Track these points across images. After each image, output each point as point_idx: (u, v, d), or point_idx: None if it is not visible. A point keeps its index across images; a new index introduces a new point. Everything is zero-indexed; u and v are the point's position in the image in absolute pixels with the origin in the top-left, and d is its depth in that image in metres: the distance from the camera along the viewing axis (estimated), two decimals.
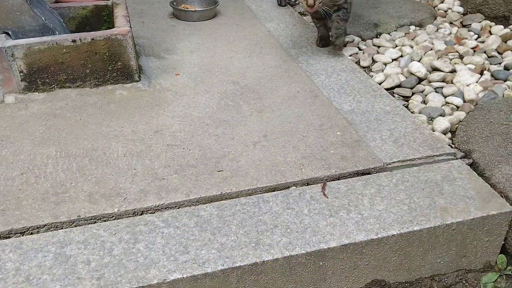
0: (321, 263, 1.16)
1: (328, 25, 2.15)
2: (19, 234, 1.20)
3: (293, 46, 2.23)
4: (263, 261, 1.11)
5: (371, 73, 2.06)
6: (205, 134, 1.57)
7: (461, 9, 2.59)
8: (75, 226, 1.23)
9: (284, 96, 1.79)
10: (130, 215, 1.26)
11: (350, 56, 2.20)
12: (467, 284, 1.29)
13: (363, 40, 2.37)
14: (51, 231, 1.21)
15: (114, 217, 1.25)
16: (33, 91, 1.76)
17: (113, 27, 1.97)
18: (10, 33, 1.76)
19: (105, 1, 2.09)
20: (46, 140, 1.53)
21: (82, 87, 1.80)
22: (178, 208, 1.28)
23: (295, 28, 2.47)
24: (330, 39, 2.16)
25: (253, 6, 2.80)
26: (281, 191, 1.32)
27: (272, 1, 2.90)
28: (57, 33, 1.81)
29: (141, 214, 1.26)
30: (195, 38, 2.33)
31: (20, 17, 1.74)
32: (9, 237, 1.19)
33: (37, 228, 1.21)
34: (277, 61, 2.08)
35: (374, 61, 2.16)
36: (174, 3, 2.62)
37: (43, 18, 1.77)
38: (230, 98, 1.79)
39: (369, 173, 1.38)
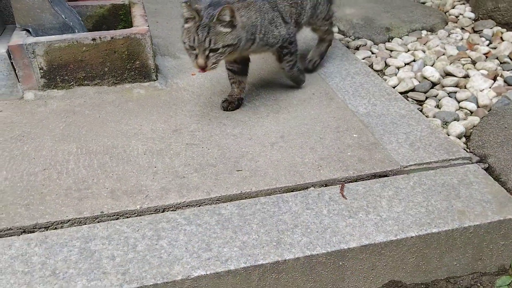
0: (340, 263, 1.18)
1: (242, 83, 1.75)
2: (43, 229, 1.22)
3: (306, 49, 2.25)
4: (285, 260, 1.13)
5: (385, 77, 2.08)
6: (223, 134, 1.59)
7: (472, 15, 2.61)
8: (98, 222, 1.25)
9: (299, 97, 1.81)
10: (152, 212, 1.28)
11: (363, 59, 2.23)
12: (481, 286, 1.31)
13: (375, 43, 2.39)
14: (75, 226, 1.23)
15: (137, 214, 1.27)
16: (52, 88, 1.78)
17: (129, 26, 1.99)
18: (30, 30, 1.78)
19: (122, 0, 2.11)
20: (67, 137, 1.55)
21: (100, 85, 1.82)
22: (199, 206, 1.30)
23: (308, 30, 2.48)
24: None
25: None
26: (300, 191, 1.34)
27: None
28: (76, 31, 1.83)
29: (162, 212, 1.28)
30: None
31: (41, 15, 1.76)
32: (33, 231, 1.21)
33: (61, 223, 1.23)
34: None
35: (387, 65, 2.18)
36: (187, 3, 2.63)
37: (63, 16, 1.80)
38: (247, 98, 1.81)
39: (386, 176, 1.40)
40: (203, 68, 1.48)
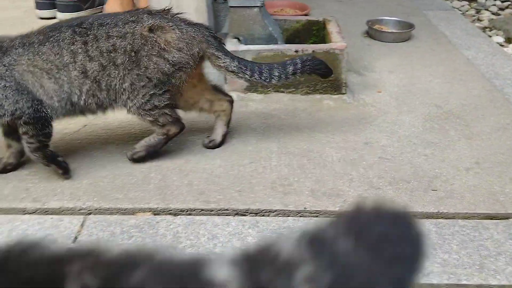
0: None
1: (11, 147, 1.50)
2: (253, 214, 1.37)
3: (496, 77, 2.18)
4: (489, 285, 1.12)
5: None
6: (414, 152, 1.61)
7: None
8: (301, 216, 1.36)
9: (492, 126, 1.76)
10: None
11: None
12: None
13: None
14: (280, 216, 1.36)
15: (335, 215, 1.36)
16: (253, 92, 1.97)
17: (320, 41, 2.14)
18: (241, 39, 2.01)
19: (317, 17, 2.26)
20: (267, 137, 1.71)
21: (294, 93, 1.97)
22: None
23: (495, 58, 2.39)
24: None
25: (447, 32, 2.77)
26: (501, 220, 1.31)
27: (467, 28, 2.84)
28: (279, 42, 2.01)
29: None
30: (391, 59, 2.39)
31: (253, 26, 1.98)
32: (245, 215, 1.37)
33: (269, 212, 1.37)
34: (480, 90, 2.05)
35: None
36: (370, 23, 2.71)
37: (270, 28, 1.99)
38: (435, 121, 1.81)
39: None
40: None
